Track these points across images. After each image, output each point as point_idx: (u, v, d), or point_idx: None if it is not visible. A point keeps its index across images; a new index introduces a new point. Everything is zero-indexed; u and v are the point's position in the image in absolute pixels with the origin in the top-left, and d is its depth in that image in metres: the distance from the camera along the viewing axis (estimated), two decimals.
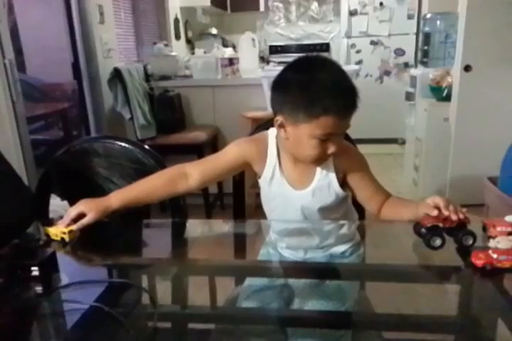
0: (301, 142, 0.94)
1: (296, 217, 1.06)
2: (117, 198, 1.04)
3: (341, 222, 1.11)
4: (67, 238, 0.99)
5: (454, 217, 0.89)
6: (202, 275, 1.01)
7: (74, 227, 1.00)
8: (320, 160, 0.97)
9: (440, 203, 0.91)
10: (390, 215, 1.04)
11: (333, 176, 1.02)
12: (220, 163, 1.07)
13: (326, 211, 1.05)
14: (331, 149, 0.93)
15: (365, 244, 1.14)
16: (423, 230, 0.92)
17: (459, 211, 0.90)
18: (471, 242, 0.89)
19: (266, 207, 1.12)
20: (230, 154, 1.07)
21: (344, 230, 1.09)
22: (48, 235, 1.01)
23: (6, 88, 1.92)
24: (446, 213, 0.89)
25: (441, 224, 0.91)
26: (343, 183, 1.04)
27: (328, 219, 1.08)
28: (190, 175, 1.06)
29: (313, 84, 0.90)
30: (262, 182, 1.07)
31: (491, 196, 2.09)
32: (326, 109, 0.88)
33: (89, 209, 1.01)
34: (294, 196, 1.03)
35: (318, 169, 1.02)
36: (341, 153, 0.99)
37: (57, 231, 1.00)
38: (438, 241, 0.89)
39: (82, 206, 1.02)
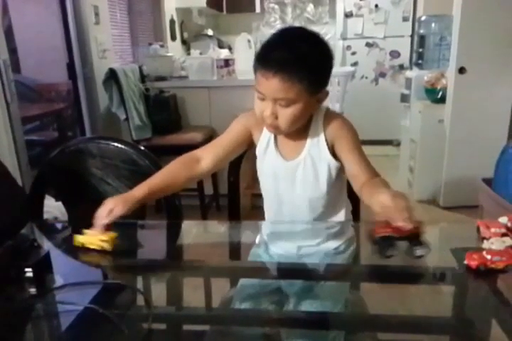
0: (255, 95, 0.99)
1: (288, 190, 1.07)
2: (140, 189, 1.03)
3: (334, 220, 1.12)
4: (109, 246, 0.89)
5: (406, 227, 0.82)
6: (197, 277, 1.01)
7: (105, 221, 0.91)
8: (265, 122, 1.00)
9: (391, 210, 0.83)
10: (365, 199, 1.00)
11: (323, 145, 1.03)
12: (228, 140, 1.11)
13: (317, 184, 1.05)
14: (265, 112, 0.96)
15: (360, 244, 1.14)
16: (376, 239, 0.92)
17: (410, 220, 0.83)
18: (421, 254, 0.88)
19: (261, 181, 1.14)
20: (235, 128, 1.11)
21: (336, 228, 1.10)
22: (78, 244, 0.91)
23: (0, 88, 1.92)
24: (396, 223, 0.83)
25: (394, 234, 0.89)
26: (334, 154, 1.04)
27: (320, 196, 1.06)
28: (202, 158, 1.10)
29: (268, 45, 0.96)
30: (258, 152, 1.10)
31: (485, 197, 2.10)
32: (258, 62, 0.95)
33: (116, 203, 0.98)
34: (285, 167, 1.05)
35: (309, 139, 1.04)
36: (330, 121, 1.03)
37: (92, 239, 0.90)
38: (390, 252, 0.88)
39: (108, 203, 0.99)
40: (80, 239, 0.91)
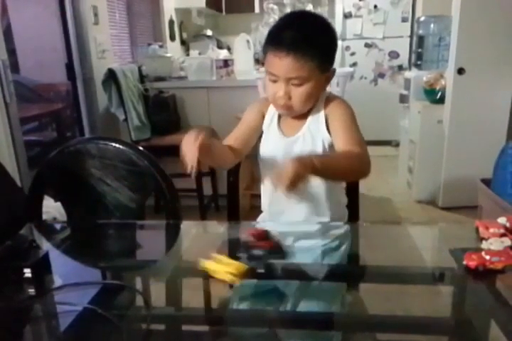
0: (265, 81, 1.03)
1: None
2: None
3: (332, 223, 1.13)
4: (237, 281, 0.80)
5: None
6: (196, 277, 1.01)
7: (198, 140, 0.85)
8: (277, 104, 1.02)
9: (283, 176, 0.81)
10: None
11: (322, 121, 1.05)
12: (246, 124, 1.13)
13: None
14: (278, 93, 0.99)
15: (359, 245, 1.14)
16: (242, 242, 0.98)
17: (282, 185, 0.81)
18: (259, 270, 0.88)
19: (260, 164, 1.16)
20: (251, 112, 1.14)
21: (334, 226, 1.12)
22: (202, 268, 0.84)
23: None
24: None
25: (254, 243, 0.93)
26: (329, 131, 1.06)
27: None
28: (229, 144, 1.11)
29: (278, 26, 0.99)
30: (264, 130, 1.13)
31: (484, 198, 2.11)
32: (269, 44, 0.97)
33: (197, 131, 0.92)
34: (284, 143, 1.08)
35: (310, 117, 1.07)
36: (330, 101, 1.06)
37: (219, 268, 0.81)
38: (253, 263, 0.87)
39: (189, 133, 0.91)
40: (205, 264, 0.83)
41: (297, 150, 1.07)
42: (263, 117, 1.14)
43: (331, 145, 1.06)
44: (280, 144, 1.09)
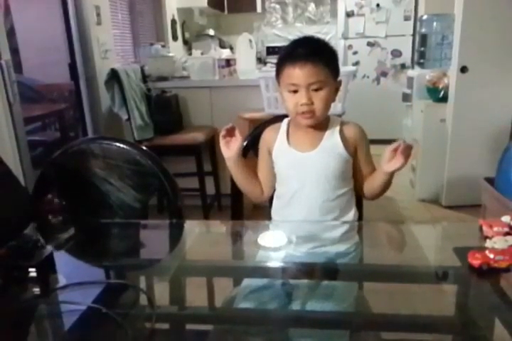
0: (283, 96, 1.13)
1: (301, 183, 1.14)
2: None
3: (342, 221, 1.14)
4: None
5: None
6: (200, 276, 1.02)
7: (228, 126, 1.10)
8: (299, 114, 1.10)
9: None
10: (368, 189, 1.18)
11: (337, 138, 1.14)
12: (262, 164, 1.23)
13: (330, 175, 1.13)
14: (301, 100, 1.08)
15: (363, 244, 1.14)
16: None
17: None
18: None
19: (278, 181, 1.22)
20: (260, 150, 1.24)
21: (344, 229, 1.12)
22: None
23: (2, 89, 1.92)
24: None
25: None
26: (349, 152, 1.15)
27: (332, 188, 1.14)
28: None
29: (290, 47, 1.11)
30: (274, 156, 1.19)
31: (487, 197, 2.10)
32: (285, 61, 1.09)
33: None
34: (300, 158, 1.15)
35: (325, 136, 1.15)
36: (347, 124, 1.17)
37: None
38: None
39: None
40: None
41: (314, 163, 1.13)
42: (270, 152, 1.20)
43: (346, 160, 1.15)
44: (295, 159, 1.16)
